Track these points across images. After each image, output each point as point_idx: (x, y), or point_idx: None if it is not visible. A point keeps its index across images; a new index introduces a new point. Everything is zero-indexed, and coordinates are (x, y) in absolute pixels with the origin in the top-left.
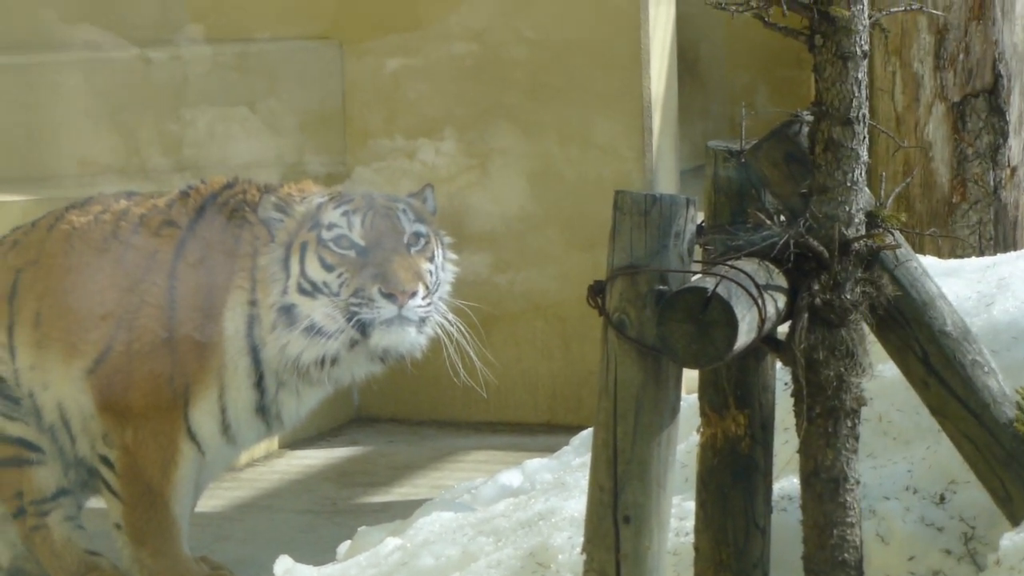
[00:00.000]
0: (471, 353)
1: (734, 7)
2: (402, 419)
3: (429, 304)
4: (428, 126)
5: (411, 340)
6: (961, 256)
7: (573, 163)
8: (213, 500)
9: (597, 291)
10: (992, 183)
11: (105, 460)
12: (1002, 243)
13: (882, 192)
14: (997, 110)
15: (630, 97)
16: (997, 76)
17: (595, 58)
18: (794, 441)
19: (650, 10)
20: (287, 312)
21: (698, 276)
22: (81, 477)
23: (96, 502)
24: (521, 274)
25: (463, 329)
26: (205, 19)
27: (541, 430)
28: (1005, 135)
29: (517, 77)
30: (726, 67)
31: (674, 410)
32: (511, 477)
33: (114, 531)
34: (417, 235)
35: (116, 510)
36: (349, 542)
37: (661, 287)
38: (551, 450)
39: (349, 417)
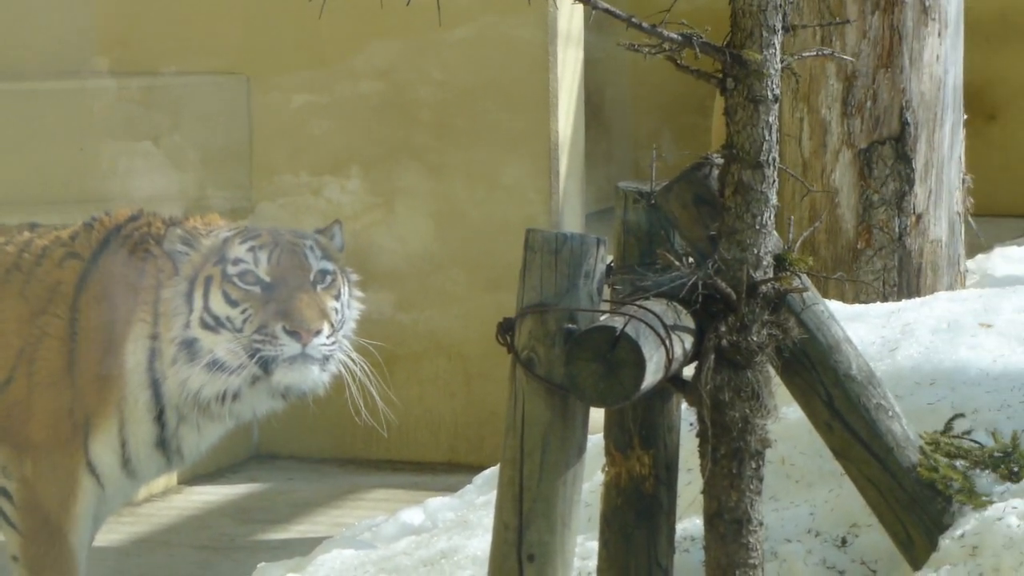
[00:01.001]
0: (373, 392)
1: (647, 48)
2: (302, 456)
3: (334, 342)
4: (334, 163)
5: (314, 378)
6: (865, 302)
7: (479, 204)
8: (111, 535)
9: (506, 329)
10: (897, 230)
11: (3, 492)
12: (906, 289)
13: (790, 236)
14: (903, 157)
15: (537, 139)
16: (904, 124)
17: (503, 100)
18: (697, 482)
19: (559, 53)
20: (189, 346)
21: (607, 316)
22: None
23: None
24: (425, 313)
25: (366, 368)
26: (111, 52)
27: (443, 469)
28: (911, 182)
29: (424, 117)
30: (631, 113)
31: (581, 448)
32: (413, 515)
33: (10, 563)
34: (323, 272)
35: (14, 542)
36: None
37: (570, 326)
38: (453, 489)
39: (249, 454)
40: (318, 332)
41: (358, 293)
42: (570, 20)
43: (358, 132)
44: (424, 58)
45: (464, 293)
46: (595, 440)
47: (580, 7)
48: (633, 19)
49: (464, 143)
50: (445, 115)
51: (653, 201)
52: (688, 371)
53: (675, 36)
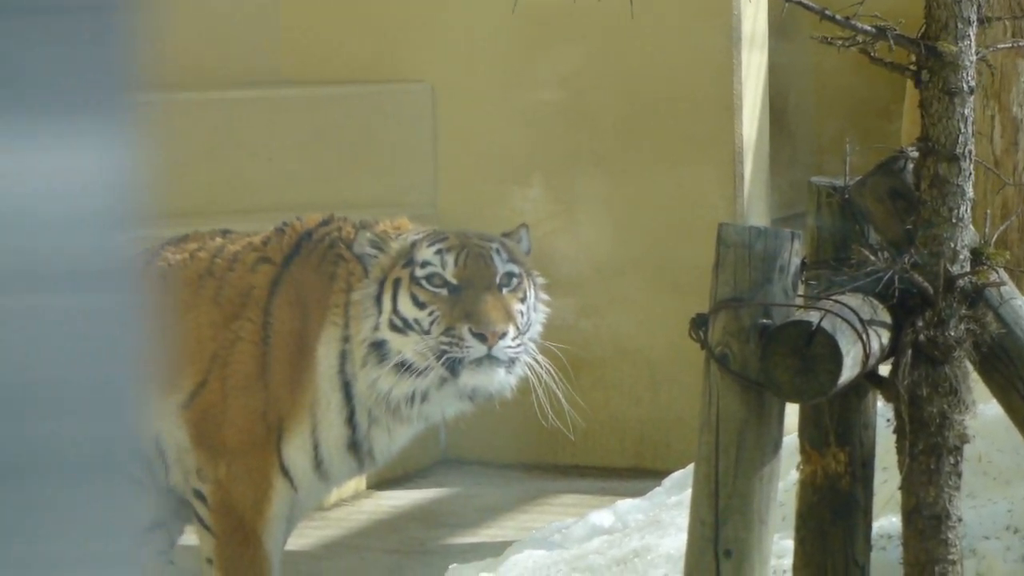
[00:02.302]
0: (560, 395)
1: (840, 42)
2: (488, 461)
3: (519, 344)
4: (517, 170)
5: (500, 380)
6: None
7: (663, 209)
8: (301, 539)
9: (699, 324)
10: None
11: (198, 494)
12: None
13: (986, 230)
14: None
15: (722, 144)
16: None
17: (687, 105)
18: (893, 480)
19: (743, 57)
20: (378, 348)
21: (802, 311)
22: (173, 508)
23: (187, 539)
24: (608, 319)
25: (552, 371)
26: (299, 61)
27: (629, 475)
28: None
29: (607, 123)
30: (814, 117)
31: (776, 445)
32: (602, 517)
33: (204, 566)
34: (509, 275)
35: (208, 545)
36: None
37: (765, 321)
38: (639, 494)
39: (435, 459)
40: (504, 334)
41: (544, 296)
42: (754, 24)
43: (541, 139)
44: (608, 64)
45: (648, 299)
46: (788, 440)
47: (764, 11)
48: (826, 11)
49: (648, 149)
50: (629, 121)
51: (847, 196)
52: (884, 368)
53: (869, 28)
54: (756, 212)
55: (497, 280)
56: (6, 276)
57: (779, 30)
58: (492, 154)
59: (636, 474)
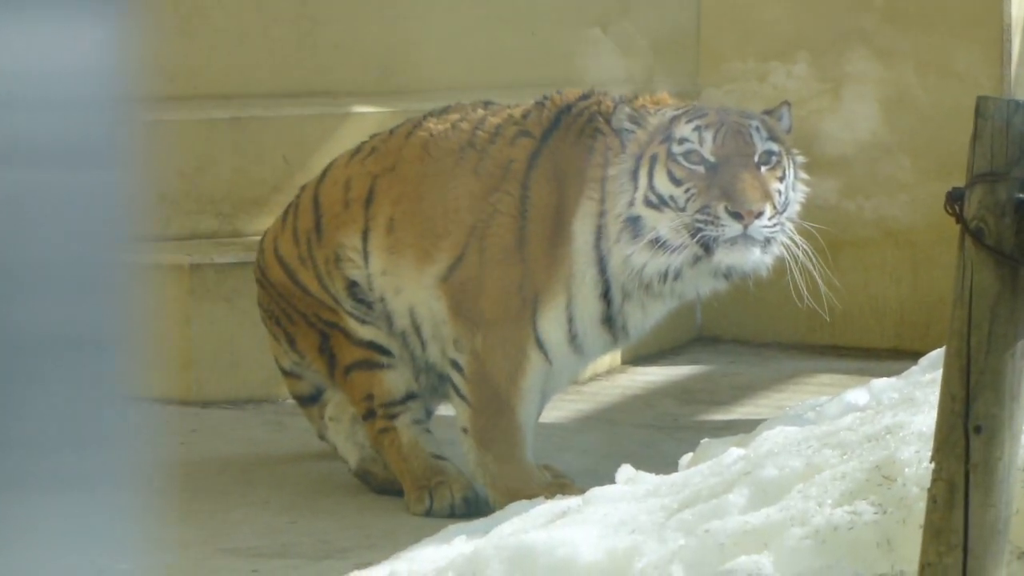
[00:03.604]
0: (816, 276)
1: None
2: (745, 340)
3: (776, 224)
4: (782, 49)
5: (755, 259)
6: None
7: (929, 89)
8: (555, 412)
9: (955, 199)
10: None
11: (455, 364)
12: None
13: None
14: None
15: (990, 23)
16: None
17: None
18: None
19: None
20: (633, 224)
21: None
22: (430, 382)
23: (443, 409)
24: (872, 200)
25: (809, 252)
26: None
27: (887, 356)
28: None
29: (875, 2)
30: None
31: None
32: (857, 396)
33: (460, 435)
34: (768, 153)
35: (464, 414)
36: (691, 454)
37: (1021, 196)
38: (897, 374)
39: (691, 336)
40: (760, 214)
41: (804, 176)
42: None
43: (807, 16)
44: None
45: (913, 180)
46: None
47: None
48: None
49: (915, 27)
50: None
51: None
52: None
53: None
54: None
55: (756, 158)
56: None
57: None
58: (756, 32)
59: (895, 355)
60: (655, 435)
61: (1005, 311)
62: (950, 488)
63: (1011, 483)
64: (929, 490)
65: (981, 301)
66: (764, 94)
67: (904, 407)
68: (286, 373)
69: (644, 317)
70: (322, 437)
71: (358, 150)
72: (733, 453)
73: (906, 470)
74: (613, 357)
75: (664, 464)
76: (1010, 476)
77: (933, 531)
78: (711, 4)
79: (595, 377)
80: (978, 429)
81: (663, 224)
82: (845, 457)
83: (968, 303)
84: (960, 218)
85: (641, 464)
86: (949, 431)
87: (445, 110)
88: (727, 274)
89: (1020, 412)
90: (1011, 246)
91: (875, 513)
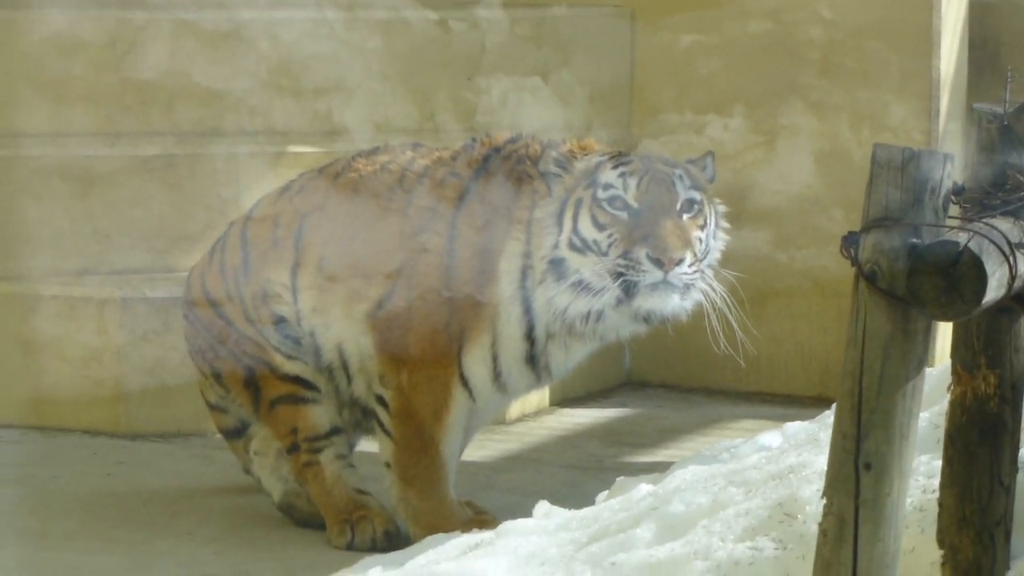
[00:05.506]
0: (733, 323)
1: None
2: (673, 385)
3: (696, 271)
4: (718, 102)
5: (675, 305)
6: None
7: (862, 144)
8: (482, 451)
9: (850, 242)
10: None
11: (380, 400)
12: None
13: None
14: None
15: (919, 79)
16: None
17: (887, 39)
18: None
19: None
20: (557, 266)
21: (951, 231)
22: (354, 417)
23: (366, 445)
24: (802, 251)
25: (727, 299)
26: None
27: (811, 403)
28: None
29: (811, 56)
30: None
31: (920, 363)
32: (771, 438)
33: (383, 470)
34: (690, 202)
35: (387, 449)
36: (607, 491)
37: (914, 240)
38: None
39: (620, 380)
40: (680, 261)
41: (725, 224)
42: None
43: (744, 71)
44: None
45: (843, 231)
46: (944, 367)
47: None
48: None
49: (849, 82)
50: (831, 54)
51: (1006, 122)
52: None
53: None
54: (953, 149)
55: (678, 206)
56: None
57: None
58: (693, 85)
59: (819, 402)
60: (578, 475)
61: (897, 352)
62: (840, 523)
63: (899, 520)
64: (820, 525)
65: (874, 342)
66: (701, 146)
67: (809, 447)
68: (212, 407)
69: (567, 357)
70: (247, 471)
71: (287, 188)
72: (643, 489)
73: (807, 507)
74: (541, 398)
75: (585, 503)
76: (898, 512)
77: (823, 565)
78: (649, 57)
79: (523, 417)
80: (868, 466)
81: (586, 267)
82: (750, 494)
83: (861, 344)
84: (855, 261)
85: (563, 502)
86: (840, 468)
87: (374, 151)
88: (647, 318)
89: (909, 450)
90: (903, 289)
91: (776, 549)
